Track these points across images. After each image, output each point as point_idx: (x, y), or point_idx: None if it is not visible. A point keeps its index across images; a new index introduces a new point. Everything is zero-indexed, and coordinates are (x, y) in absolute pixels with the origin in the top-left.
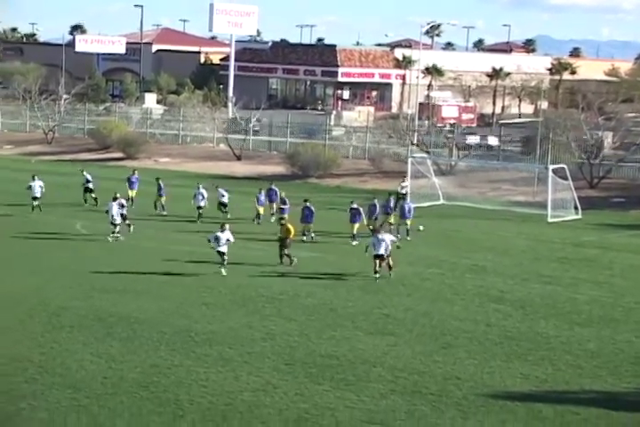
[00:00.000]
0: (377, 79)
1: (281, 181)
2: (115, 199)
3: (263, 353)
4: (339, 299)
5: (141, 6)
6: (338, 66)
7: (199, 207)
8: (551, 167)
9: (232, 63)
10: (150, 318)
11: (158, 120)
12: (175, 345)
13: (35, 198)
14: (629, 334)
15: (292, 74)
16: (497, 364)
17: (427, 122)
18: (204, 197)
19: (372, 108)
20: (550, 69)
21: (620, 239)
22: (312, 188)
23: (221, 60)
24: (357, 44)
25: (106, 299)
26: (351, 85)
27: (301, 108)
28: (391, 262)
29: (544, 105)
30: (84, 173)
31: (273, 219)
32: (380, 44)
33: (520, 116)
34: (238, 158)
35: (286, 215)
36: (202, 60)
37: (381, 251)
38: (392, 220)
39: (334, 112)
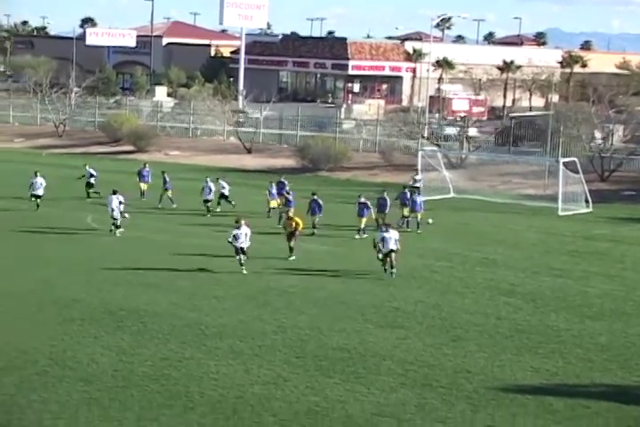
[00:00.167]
0: (387, 72)
1: (291, 175)
2: (114, 193)
3: (274, 346)
4: (349, 292)
5: None
6: (348, 59)
7: (206, 201)
8: (562, 160)
9: (242, 56)
10: (161, 311)
11: (168, 113)
12: (186, 338)
13: (37, 197)
14: None
15: (302, 67)
16: (507, 357)
17: (437, 115)
18: (211, 190)
19: (382, 102)
20: (561, 62)
21: (632, 232)
22: (322, 181)
23: (232, 53)
24: (368, 36)
25: (116, 292)
26: (361, 78)
27: (312, 101)
28: (395, 261)
29: (555, 98)
30: (87, 167)
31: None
32: (390, 37)
33: (531, 109)
34: (249, 151)
35: (292, 208)
36: (212, 53)
37: (392, 247)
38: (406, 212)
39: (344, 105)
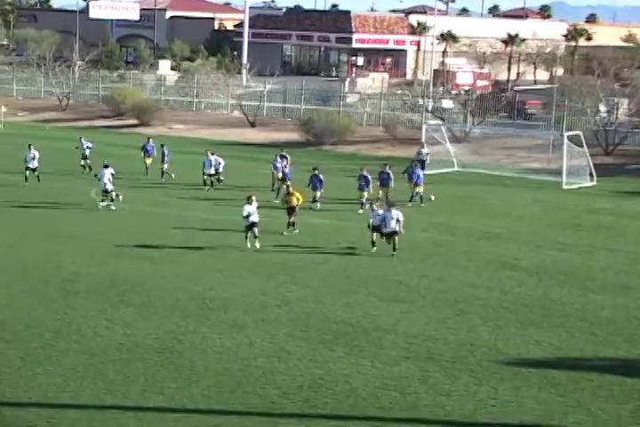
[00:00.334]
0: (391, 45)
1: (295, 148)
2: (106, 167)
3: (277, 320)
4: (352, 265)
5: None
6: (352, 32)
7: (209, 175)
8: (566, 134)
9: (246, 30)
10: (165, 284)
11: (172, 87)
12: (190, 311)
13: (32, 169)
14: None
15: (306, 40)
16: (511, 331)
17: (441, 88)
18: (212, 164)
19: (386, 75)
20: (566, 35)
21: (636, 206)
22: (326, 155)
23: (235, 26)
24: (372, 10)
25: (120, 265)
26: (365, 52)
27: (315, 75)
28: (397, 241)
29: (559, 71)
30: (82, 139)
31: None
32: (394, 11)
33: (535, 82)
34: (252, 125)
35: (289, 182)
36: (216, 26)
37: (393, 227)
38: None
39: (348, 79)
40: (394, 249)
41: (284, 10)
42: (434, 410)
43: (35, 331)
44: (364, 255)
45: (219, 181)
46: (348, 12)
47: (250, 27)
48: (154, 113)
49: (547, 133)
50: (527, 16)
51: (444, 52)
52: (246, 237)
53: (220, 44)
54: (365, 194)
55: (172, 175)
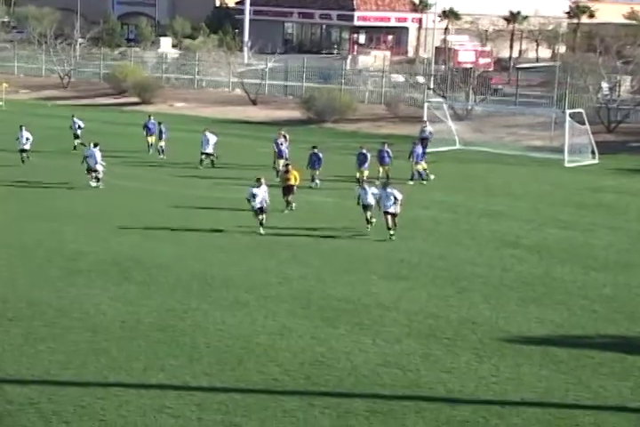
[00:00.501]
0: (393, 23)
1: (297, 126)
2: (96, 145)
3: (279, 297)
4: (354, 243)
5: None
6: (354, 10)
7: (205, 153)
8: (568, 112)
9: (247, 7)
10: (166, 262)
11: (173, 65)
12: (191, 289)
13: (23, 151)
14: None
15: (307, 18)
16: (512, 308)
17: (443, 66)
18: (209, 142)
19: (388, 53)
20: (568, 13)
21: (637, 184)
22: (327, 133)
23: (237, 3)
24: None
25: (122, 243)
26: (367, 29)
27: (317, 53)
28: (396, 221)
29: (562, 49)
30: (75, 118)
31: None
32: None
33: (537, 60)
34: (254, 103)
35: (282, 160)
36: (217, 3)
37: (390, 208)
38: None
39: (350, 56)
40: (388, 228)
41: None
42: (435, 387)
43: (37, 309)
44: (366, 233)
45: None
46: None
47: (251, 4)
48: (155, 91)
49: (549, 111)
50: None
51: (446, 30)
52: (260, 223)
53: (222, 21)
54: (366, 173)
55: (162, 156)
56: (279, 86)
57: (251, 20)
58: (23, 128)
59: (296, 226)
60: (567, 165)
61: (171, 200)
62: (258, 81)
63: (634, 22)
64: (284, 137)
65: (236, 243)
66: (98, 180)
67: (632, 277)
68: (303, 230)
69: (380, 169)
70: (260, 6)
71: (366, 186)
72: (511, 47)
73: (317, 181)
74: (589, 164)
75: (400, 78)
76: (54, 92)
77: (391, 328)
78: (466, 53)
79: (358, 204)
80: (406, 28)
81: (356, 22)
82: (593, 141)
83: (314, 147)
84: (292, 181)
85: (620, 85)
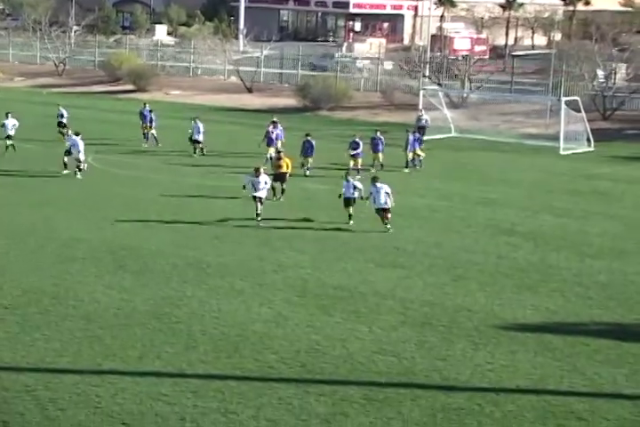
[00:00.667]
0: (389, 10)
1: (292, 114)
2: (77, 134)
3: (275, 285)
4: (349, 231)
5: None
6: None
7: (196, 141)
8: (564, 99)
9: None
10: (162, 250)
11: (169, 52)
12: (187, 277)
13: (8, 137)
14: None
15: (303, 5)
16: (508, 296)
17: (439, 54)
18: (200, 130)
19: (383, 40)
20: (564, 0)
21: (632, 171)
22: (323, 120)
23: None
24: None
25: (117, 231)
26: (363, 17)
27: (312, 40)
28: (389, 217)
29: (557, 36)
30: (60, 107)
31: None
32: None
33: (533, 47)
34: (249, 91)
35: (272, 148)
36: None
37: (383, 204)
38: (420, 152)
39: (345, 44)
40: (385, 223)
41: None
42: (430, 375)
43: (32, 296)
44: (361, 221)
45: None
46: None
47: None
48: (150, 78)
49: (544, 99)
50: None
51: (442, 17)
52: (257, 214)
53: (217, 9)
54: (359, 160)
55: (145, 144)
56: (275, 74)
57: (246, 8)
58: (9, 115)
59: (291, 214)
60: (562, 152)
61: (165, 188)
62: (253, 69)
63: (629, 9)
64: (274, 124)
65: (230, 231)
66: (79, 170)
67: (627, 264)
68: (298, 218)
69: (373, 157)
70: None
71: (349, 178)
72: (507, 35)
73: (307, 171)
74: (585, 151)
75: (389, 66)
76: (49, 79)
77: (387, 316)
78: (461, 41)
79: (340, 197)
80: (402, 16)
81: (352, 10)
82: (588, 129)
83: (307, 134)
84: (285, 169)
85: (615, 73)
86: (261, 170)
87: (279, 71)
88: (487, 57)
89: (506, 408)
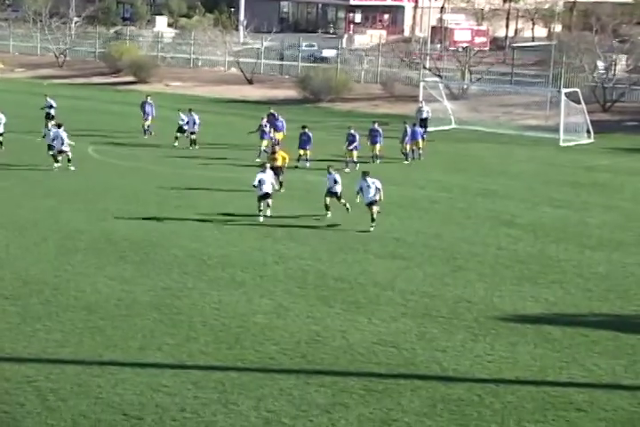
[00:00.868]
0: (389, 2)
1: (292, 105)
2: (59, 126)
3: (275, 276)
4: (349, 223)
5: None
6: None
7: (192, 133)
8: (564, 91)
9: None
10: (163, 241)
11: (169, 44)
12: (188, 268)
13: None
14: (639, 258)
15: None
16: (507, 287)
17: (439, 45)
18: (195, 122)
19: (383, 32)
20: None
21: (632, 163)
22: (323, 112)
23: None
24: None
25: (118, 223)
26: (363, 8)
27: (313, 32)
28: (376, 211)
29: (558, 28)
30: (48, 98)
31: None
32: None
33: (533, 39)
34: (250, 82)
35: (265, 141)
36: None
37: (372, 197)
38: (421, 144)
39: (346, 35)
40: (372, 220)
41: None
42: (430, 366)
43: (34, 287)
44: (360, 212)
45: (188, 139)
46: None
47: None
48: (151, 70)
49: (544, 90)
50: None
51: (442, 9)
52: (259, 209)
53: (217, 0)
54: (355, 153)
55: (145, 136)
56: (275, 66)
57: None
58: None
59: (291, 205)
60: (562, 144)
61: (166, 180)
62: (253, 60)
63: (630, 1)
64: (271, 116)
65: (231, 222)
66: (69, 160)
67: (626, 256)
68: (298, 210)
69: (371, 148)
70: None
71: (333, 171)
72: (507, 26)
73: (307, 163)
74: (585, 143)
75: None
76: (50, 70)
77: (387, 307)
78: (462, 32)
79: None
80: (402, 7)
81: (352, 1)
82: (588, 121)
83: (303, 126)
84: (280, 162)
85: (615, 64)
86: (267, 165)
87: (279, 63)
88: (487, 48)
89: (505, 399)
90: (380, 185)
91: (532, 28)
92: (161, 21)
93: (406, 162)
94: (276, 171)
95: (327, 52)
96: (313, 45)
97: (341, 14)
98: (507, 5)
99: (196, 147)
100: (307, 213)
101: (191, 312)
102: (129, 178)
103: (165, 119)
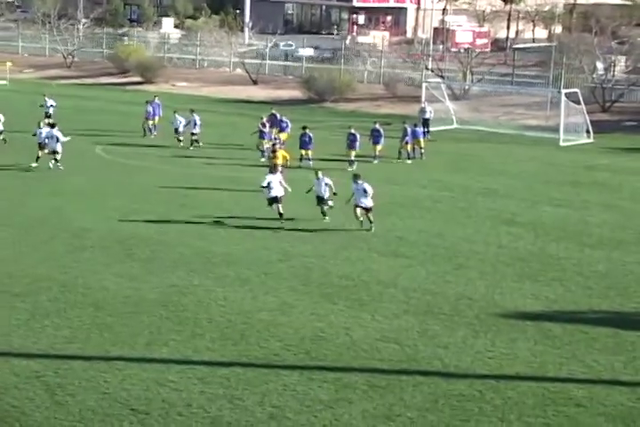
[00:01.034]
0: (392, 4)
1: (297, 106)
2: (52, 126)
3: (280, 274)
4: (352, 221)
5: None
6: None
7: (192, 134)
8: (564, 91)
9: None
10: (169, 239)
11: (175, 45)
12: (194, 266)
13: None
14: (638, 256)
15: None
16: (508, 285)
17: (441, 47)
18: (196, 123)
19: (386, 33)
20: None
21: (631, 163)
22: (327, 112)
23: None
24: None
25: (125, 221)
26: (366, 10)
27: (317, 33)
28: (370, 216)
29: (558, 30)
30: (46, 97)
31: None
32: None
33: (534, 40)
34: (255, 83)
35: (265, 140)
36: None
37: (363, 202)
38: (422, 143)
39: (349, 37)
40: (370, 222)
41: None
42: (432, 362)
43: (43, 284)
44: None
45: (178, 140)
46: None
47: None
48: (157, 70)
49: (545, 91)
50: None
51: (444, 11)
52: (280, 214)
53: (223, 2)
54: (353, 152)
55: (146, 135)
56: (279, 66)
57: (252, 1)
58: None
59: (294, 204)
60: (562, 144)
61: (172, 178)
62: (258, 61)
63: (629, 3)
64: (274, 116)
65: (236, 221)
66: (56, 160)
67: (625, 254)
68: (301, 208)
69: (373, 148)
70: None
71: (321, 176)
72: (508, 28)
73: (310, 162)
74: (584, 143)
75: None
76: (58, 71)
77: (389, 304)
78: (463, 34)
79: (307, 192)
80: (405, 9)
81: (356, 3)
82: (588, 121)
83: (304, 127)
84: (280, 161)
85: (614, 65)
86: (278, 167)
87: (284, 63)
88: (489, 50)
89: (506, 395)
90: (369, 189)
91: (533, 30)
92: (167, 23)
93: (409, 161)
94: (276, 170)
95: (303, 51)
96: (291, 45)
97: (345, 16)
98: (508, 7)
99: (200, 144)
100: (311, 212)
101: (197, 309)
102: (136, 177)
103: (170, 119)
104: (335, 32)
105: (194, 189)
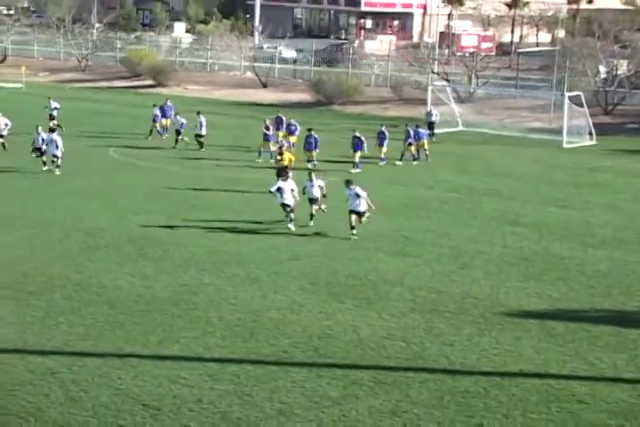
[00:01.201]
0: (399, 9)
1: (306, 108)
2: (52, 131)
3: (289, 273)
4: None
5: None
6: None
7: (199, 135)
8: (567, 94)
9: None
10: (181, 239)
11: (187, 49)
12: (205, 265)
13: (1, 136)
14: None
15: (316, 3)
16: (512, 284)
17: (447, 51)
18: (202, 125)
19: (393, 38)
20: None
21: (633, 164)
22: (335, 114)
23: None
24: None
25: (138, 221)
26: (374, 15)
27: (325, 37)
28: (363, 220)
29: (561, 34)
30: (51, 100)
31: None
32: None
33: (538, 44)
34: (264, 86)
35: (271, 142)
36: None
37: (356, 207)
38: (426, 145)
39: (357, 41)
40: (352, 228)
41: None
42: (438, 359)
43: (57, 283)
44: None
45: (179, 140)
46: None
47: None
48: (169, 74)
49: (548, 94)
50: None
51: (450, 15)
52: (290, 219)
53: (234, 7)
54: (358, 154)
55: (150, 138)
56: (289, 70)
57: (262, 6)
58: (0, 114)
59: (303, 204)
60: (566, 146)
61: (184, 180)
62: (268, 64)
63: (631, 8)
64: (280, 118)
65: (245, 221)
66: (54, 164)
67: (627, 254)
68: (308, 209)
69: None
70: None
71: (314, 177)
72: (512, 32)
73: (315, 162)
74: (587, 145)
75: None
76: (72, 74)
77: (396, 303)
78: (469, 38)
79: (304, 193)
80: (411, 14)
81: (363, 8)
82: (591, 123)
83: (309, 129)
84: (286, 163)
85: (617, 69)
86: (289, 174)
87: (293, 67)
88: (493, 54)
89: (510, 392)
90: (362, 193)
91: (537, 34)
92: (179, 27)
93: (414, 163)
94: (280, 172)
95: (286, 53)
96: (275, 47)
97: (353, 20)
98: (512, 12)
99: (203, 150)
100: (318, 213)
101: (208, 308)
102: (148, 178)
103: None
104: (343, 36)
105: (204, 190)
